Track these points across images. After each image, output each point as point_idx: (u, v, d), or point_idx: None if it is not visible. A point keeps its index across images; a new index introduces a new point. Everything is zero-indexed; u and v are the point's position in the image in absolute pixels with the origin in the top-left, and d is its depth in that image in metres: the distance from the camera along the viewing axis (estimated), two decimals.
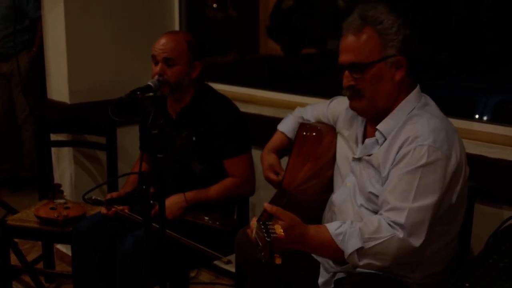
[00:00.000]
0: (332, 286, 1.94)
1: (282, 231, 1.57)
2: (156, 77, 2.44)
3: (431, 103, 1.90)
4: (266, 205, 1.72)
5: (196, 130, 2.44)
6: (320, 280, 1.99)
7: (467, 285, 1.42)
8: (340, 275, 1.92)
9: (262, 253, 1.55)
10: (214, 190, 2.51)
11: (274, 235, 1.54)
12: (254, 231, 1.63)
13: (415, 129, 1.77)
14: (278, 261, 1.53)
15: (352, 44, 1.84)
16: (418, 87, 1.90)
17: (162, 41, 2.47)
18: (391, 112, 1.86)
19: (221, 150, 2.49)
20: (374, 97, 1.86)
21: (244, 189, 2.55)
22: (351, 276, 1.85)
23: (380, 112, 1.90)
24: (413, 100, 1.87)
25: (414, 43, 1.82)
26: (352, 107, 1.93)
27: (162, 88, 2.45)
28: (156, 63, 2.47)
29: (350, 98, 1.91)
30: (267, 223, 1.58)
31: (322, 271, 2.00)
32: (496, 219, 2.12)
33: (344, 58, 1.86)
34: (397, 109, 1.86)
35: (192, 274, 3.29)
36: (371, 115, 1.93)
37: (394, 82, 1.85)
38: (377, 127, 1.87)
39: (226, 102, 2.58)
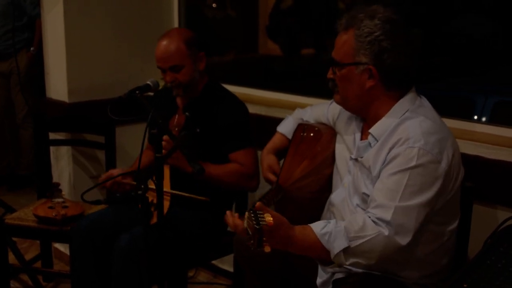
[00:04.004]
0: (331, 286, 1.94)
1: (271, 219, 1.58)
2: (169, 84, 2.47)
3: (426, 104, 1.90)
4: (258, 204, 1.71)
5: (204, 123, 2.45)
6: (319, 281, 1.99)
7: (465, 285, 1.42)
8: (338, 275, 1.92)
9: (252, 241, 1.56)
10: (218, 168, 2.47)
11: (264, 222, 1.56)
12: (245, 221, 1.64)
13: (406, 131, 1.77)
14: (267, 249, 1.55)
15: (337, 41, 1.90)
16: (413, 89, 1.90)
17: (162, 50, 2.46)
18: (385, 115, 1.86)
19: (226, 144, 2.49)
20: (344, 96, 1.93)
21: (249, 182, 2.52)
22: (350, 277, 1.85)
23: (362, 112, 1.93)
24: (406, 102, 1.87)
25: (391, 58, 1.80)
26: (334, 99, 2.00)
27: (177, 90, 2.48)
28: (164, 72, 2.48)
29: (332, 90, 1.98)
30: (257, 212, 1.60)
31: (320, 271, 2.00)
32: (494, 220, 2.13)
33: (333, 51, 1.91)
34: (391, 111, 1.86)
35: (190, 274, 3.29)
36: (351, 111, 1.99)
37: (364, 89, 1.86)
38: (370, 130, 1.88)
39: (234, 98, 2.60)
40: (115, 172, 2.54)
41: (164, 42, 2.47)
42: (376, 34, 1.80)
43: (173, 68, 2.46)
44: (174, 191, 2.48)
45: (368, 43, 1.81)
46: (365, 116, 1.94)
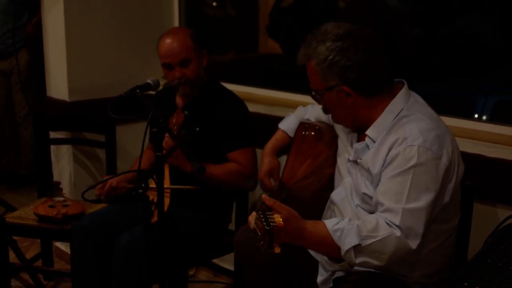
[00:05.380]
0: (331, 285, 1.95)
1: (281, 220, 1.58)
2: (176, 81, 2.46)
3: (421, 101, 1.90)
4: (264, 197, 1.71)
5: (203, 122, 2.45)
6: (319, 279, 1.99)
7: (465, 284, 1.42)
8: (339, 274, 1.92)
9: (261, 242, 1.56)
10: (217, 168, 2.47)
11: (274, 223, 1.55)
12: (253, 221, 1.63)
13: (404, 130, 1.77)
14: (277, 250, 1.54)
15: (307, 73, 1.92)
16: (405, 86, 1.89)
17: (169, 46, 2.45)
18: (379, 116, 1.86)
19: (225, 143, 2.49)
20: (336, 118, 1.99)
21: (247, 182, 2.52)
22: (350, 275, 1.85)
23: (359, 124, 1.93)
24: (400, 101, 1.86)
25: (355, 72, 1.80)
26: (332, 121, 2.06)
27: (184, 88, 2.48)
28: (171, 68, 2.47)
29: None
30: (266, 213, 1.60)
31: (321, 269, 2.01)
32: (494, 219, 2.13)
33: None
34: (385, 112, 1.86)
35: (191, 272, 3.29)
36: (350, 128, 2.00)
37: (348, 107, 1.88)
38: (366, 132, 1.88)
39: (234, 96, 2.60)
40: (113, 181, 2.52)
41: (171, 38, 2.47)
42: (330, 57, 1.81)
43: (182, 63, 2.46)
44: (169, 186, 2.47)
45: (327, 67, 1.83)
46: (362, 125, 1.94)
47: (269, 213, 1.61)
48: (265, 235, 1.53)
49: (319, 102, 1.95)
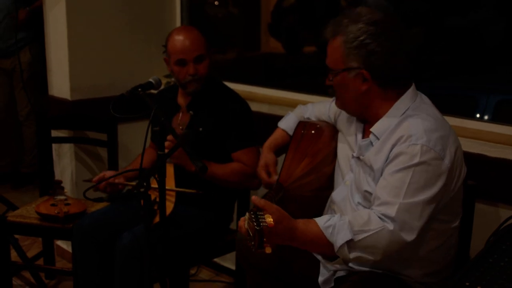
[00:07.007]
0: (332, 284, 1.95)
1: (272, 220, 1.58)
2: (189, 77, 2.45)
3: (427, 101, 1.90)
4: (254, 198, 1.71)
5: (206, 121, 2.44)
6: (320, 279, 1.99)
7: (467, 284, 1.42)
8: (340, 273, 1.92)
9: (252, 242, 1.56)
10: (222, 168, 2.47)
11: (264, 224, 1.56)
12: (246, 222, 1.64)
13: (408, 128, 1.77)
14: (268, 250, 1.55)
15: (328, 49, 1.91)
16: (413, 86, 1.90)
17: (185, 41, 2.45)
18: (385, 114, 1.86)
19: (229, 142, 2.49)
20: (343, 102, 1.96)
21: (251, 181, 2.51)
22: (351, 274, 1.85)
23: (364, 114, 1.93)
24: (407, 100, 1.86)
25: (380, 59, 1.80)
26: (335, 105, 2.02)
27: (196, 85, 2.48)
28: (184, 65, 2.47)
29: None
30: (258, 213, 1.61)
31: (322, 269, 2.00)
32: (496, 218, 2.13)
33: (326, 59, 1.93)
34: (391, 110, 1.86)
35: (192, 271, 3.29)
36: (353, 115, 2.00)
37: (360, 92, 1.87)
38: (371, 129, 1.88)
39: (236, 96, 2.60)
40: (107, 174, 2.54)
41: (185, 34, 2.47)
42: (361, 38, 1.80)
43: (197, 59, 2.46)
44: (173, 189, 2.47)
45: (355, 48, 1.81)
46: (367, 117, 1.94)
47: (260, 213, 1.61)
48: (256, 235, 1.54)
49: (329, 81, 1.93)
